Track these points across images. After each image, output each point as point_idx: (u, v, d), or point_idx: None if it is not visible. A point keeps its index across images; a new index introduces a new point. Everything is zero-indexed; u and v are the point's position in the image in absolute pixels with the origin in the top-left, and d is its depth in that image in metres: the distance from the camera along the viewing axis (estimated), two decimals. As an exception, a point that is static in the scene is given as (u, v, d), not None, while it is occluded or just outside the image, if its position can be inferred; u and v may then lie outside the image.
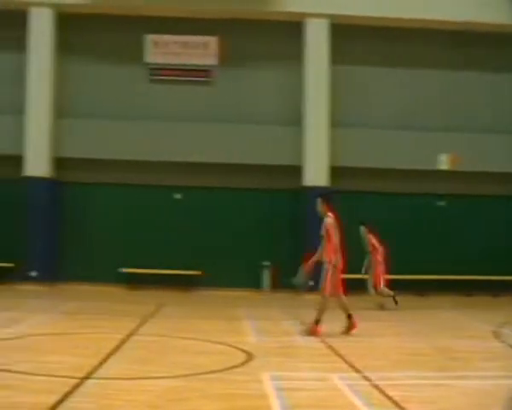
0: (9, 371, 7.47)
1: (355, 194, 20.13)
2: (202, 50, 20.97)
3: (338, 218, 11.28)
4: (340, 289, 11.13)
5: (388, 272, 16.21)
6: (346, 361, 8.72)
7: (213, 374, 7.69)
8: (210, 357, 8.99)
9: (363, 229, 16.19)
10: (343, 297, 11.15)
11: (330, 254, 11.00)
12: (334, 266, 11.00)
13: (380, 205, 20.44)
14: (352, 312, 11.22)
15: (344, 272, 11.31)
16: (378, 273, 15.85)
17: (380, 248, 16.01)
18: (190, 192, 20.74)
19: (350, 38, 20.63)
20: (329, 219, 11.09)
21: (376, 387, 7.08)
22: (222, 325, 12.59)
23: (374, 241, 16.06)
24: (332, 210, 11.26)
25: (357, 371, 8.05)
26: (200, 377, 7.49)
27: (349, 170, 20.40)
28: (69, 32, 20.44)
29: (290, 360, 9.01)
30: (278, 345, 10.21)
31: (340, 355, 9.17)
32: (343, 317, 11.24)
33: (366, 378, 7.55)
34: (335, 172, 20.16)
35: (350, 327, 11.16)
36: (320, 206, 11.29)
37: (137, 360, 8.51)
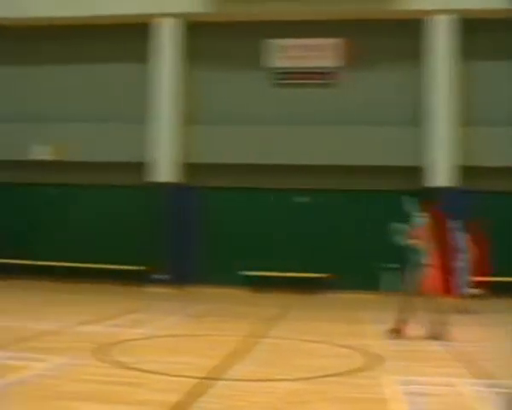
0: (138, 369, 7.72)
1: (487, 194, 19.41)
2: (325, 53, 20.94)
3: (439, 217, 11.01)
4: (426, 291, 10.84)
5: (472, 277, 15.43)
6: (474, 366, 8.43)
7: (336, 377, 7.63)
8: (333, 360, 8.93)
9: (456, 222, 15.44)
10: (417, 302, 10.86)
11: (425, 254, 10.78)
12: (427, 267, 10.77)
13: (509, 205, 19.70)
14: (406, 321, 10.90)
15: (447, 273, 11.03)
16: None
17: (471, 250, 15.21)
18: (314, 195, 20.74)
19: (476, 32, 19.98)
20: (423, 219, 10.87)
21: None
22: (347, 328, 12.51)
23: (467, 240, 15.25)
24: (430, 209, 11.00)
25: (487, 377, 7.76)
26: (322, 380, 7.44)
27: (482, 169, 19.72)
28: (195, 40, 21.00)
29: (416, 364, 8.79)
30: (403, 348, 10.02)
31: (468, 360, 8.88)
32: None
33: (496, 385, 7.26)
34: (468, 171, 19.56)
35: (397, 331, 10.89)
36: (411, 205, 11.05)
37: (261, 362, 8.57)
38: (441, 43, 20.00)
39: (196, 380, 7.17)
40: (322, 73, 21.05)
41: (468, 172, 19.60)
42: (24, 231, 21.64)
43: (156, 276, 19.98)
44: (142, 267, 20.23)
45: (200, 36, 21.05)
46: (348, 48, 20.65)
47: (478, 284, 15.31)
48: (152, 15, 20.75)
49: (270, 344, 10.27)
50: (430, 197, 11.52)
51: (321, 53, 20.98)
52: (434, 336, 10.68)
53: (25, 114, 21.94)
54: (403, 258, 11.17)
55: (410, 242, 10.91)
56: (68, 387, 6.76)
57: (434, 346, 10.19)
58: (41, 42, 21.99)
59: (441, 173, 19.67)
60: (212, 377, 7.36)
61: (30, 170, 21.77)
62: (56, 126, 21.67)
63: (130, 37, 21.28)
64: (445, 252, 11.03)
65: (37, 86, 22.06)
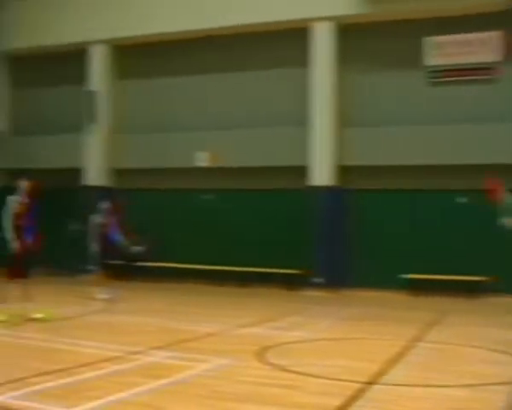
0: (295, 372, 7.82)
1: None
2: (483, 47, 20.14)
3: None
4: None
5: None
6: None
7: (500, 386, 7.34)
8: (497, 367, 8.59)
9: None
10: None
11: None
12: None
13: None
14: None
15: None
16: None
17: None
18: (473, 195, 19.98)
19: None
20: None
21: None
22: (510, 334, 11.98)
23: None
24: None
25: None
26: (485, 388, 7.19)
27: None
28: (348, 42, 20.90)
29: None
30: None
31: None
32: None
33: None
34: None
35: None
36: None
37: (420, 367, 8.42)
38: None
39: (352, 384, 7.15)
40: (480, 69, 20.24)
41: None
42: (186, 235, 22.50)
43: (314, 279, 20.08)
44: (298, 271, 20.39)
45: (353, 37, 20.92)
46: (506, 40, 19.76)
47: None
48: (306, 20, 20.87)
49: (428, 349, 10.05)
50: None
51: (478, 48, 20.18)
52: None
53: (188, 123, 22.90)
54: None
55: None
56: (228, 388, 6.97)
57: None
58: (202, 53, 22.78)
59: None
60: (368, 381, 7.31)
61: (192, 176, 22.66)
62: (217, 133, 22.36)
63: (287, 42, 21.54)
64: None
65: (200, 95, 22.90)
